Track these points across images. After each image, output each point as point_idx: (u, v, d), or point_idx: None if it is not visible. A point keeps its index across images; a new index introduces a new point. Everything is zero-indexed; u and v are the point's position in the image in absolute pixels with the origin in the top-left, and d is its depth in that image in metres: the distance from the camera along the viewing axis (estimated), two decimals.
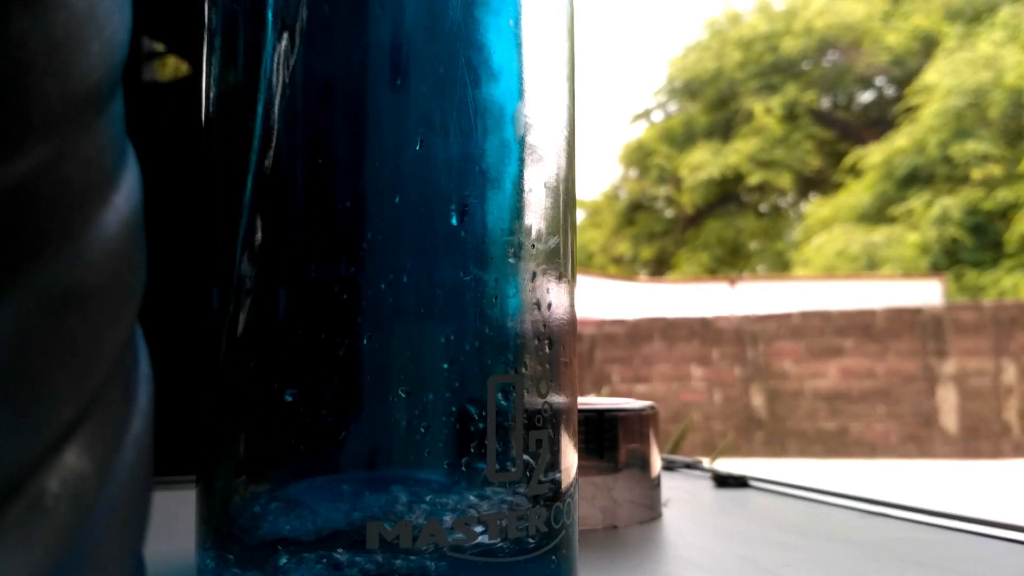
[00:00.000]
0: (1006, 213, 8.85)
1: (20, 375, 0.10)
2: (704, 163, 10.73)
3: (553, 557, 0.18)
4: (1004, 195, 8.86)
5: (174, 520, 0.25)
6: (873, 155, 9.88)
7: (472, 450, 0.17)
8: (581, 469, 0.21)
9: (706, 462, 0.48)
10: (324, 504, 0.16)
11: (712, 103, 11.31)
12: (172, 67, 0.52)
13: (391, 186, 0.17)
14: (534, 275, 0.18)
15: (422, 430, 0.16)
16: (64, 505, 0.10)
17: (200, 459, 0.18)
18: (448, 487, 0.16)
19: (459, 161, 0.17)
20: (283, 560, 0.16)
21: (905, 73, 10.48)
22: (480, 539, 0.17)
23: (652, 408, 0.35)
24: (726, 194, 11.03)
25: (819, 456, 4.89)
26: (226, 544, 0.17)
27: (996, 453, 4.72)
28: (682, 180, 10.97)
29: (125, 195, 0.12)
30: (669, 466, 0.48)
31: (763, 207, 11.38)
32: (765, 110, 10.70)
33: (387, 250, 0.17)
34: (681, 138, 11.42)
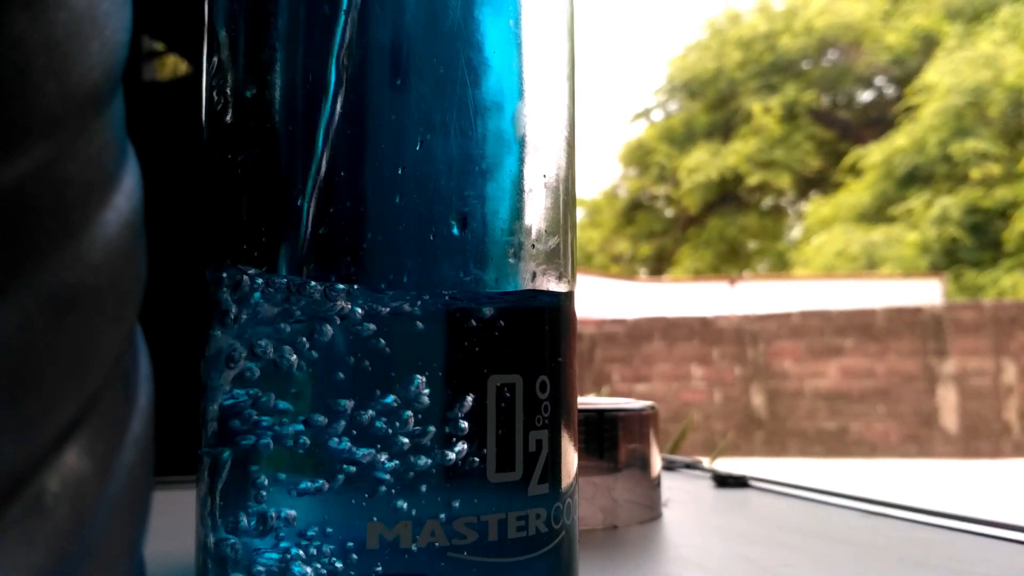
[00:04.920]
0: (1005, 212, 8.85)
1: (20, 375, 0.10)
2: (701, 165, 10.72)
3: (553, 557, 0.18)
4: (1003, 194, 8.85)
5: (174, 520, 0.25)
6: (873, 155, 9.87)
7: (472, 450, 0.17)
8: (581, 469, 0.21)
9: (706, 462, 0.48)
10: (324, 506, 0.16)
11: (712, 102, 11.31)
12: (172, 67, 0.52)
13: (391, 186, 0.17)
14: (534, 275, 0.18)
15: (422, 430, 0.16)
16: (64, 505, 0.10)
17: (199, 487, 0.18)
18: (448, 487, 0.16)
19: (459, 161, 0.17)
20: (279, 556, 0.16)
21: (905, 72, 10.47)
22: (480, 539, 0.17)
23: (652, 408, 0.35)
24: (725, 193, 11.02)
25: (819, 456, 4.88)
26: (225, 554, 0.17)
27: (996, 453, 4.72)
28: (680, 182, 10.96)
29: (125, 195, 0.12)
30: (669, 466, 0.48)
31: (763, 206, 11.38)
32: (764, 110, 10.69)
33: (387, 250, 0.17)
34: (681, 137, 11.41)
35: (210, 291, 0.18)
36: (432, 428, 0.16)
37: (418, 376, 0.16)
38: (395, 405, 0.16)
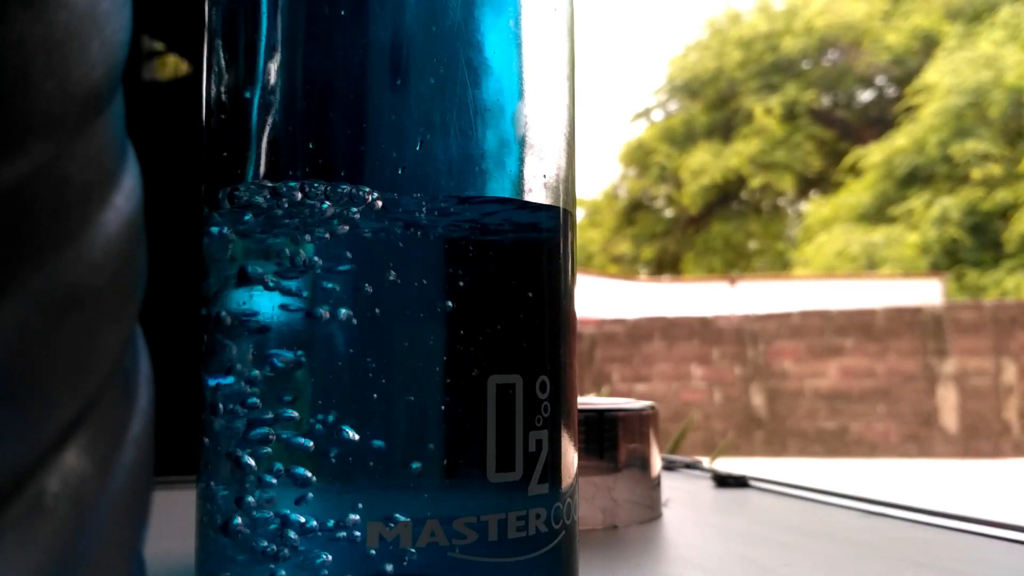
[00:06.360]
0: (1005, 213, 8.84)
1: (20, 375, 0.10)
2: (705, 166, 10.72)
3: (553, 557, 0.18)
4: (1003, 195, 8.85)
5: (174, 520, 0.25)
6: (873, 155, 9.87)
7: (472, 450, 0.17)
8: (581, 469, 0.21)
9: (706, 462, 0.48)
10: (324, 506, 0.16)
11: (712, 102, 11.30)
12: (172, 67, 0.52)
13: (391, 186, 0.17)
14: None
15: (422, 430, 0.16)
16: (64, 505, 0.10)
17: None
18: (448, 487, 0.16)
19: (459, 161, 0.17)
20: (285, 554, 0.16)
21: (905, 73, 10.47)
22: (480, 539, 0.17)
23: (652, 408, 0.35)
24: (726, 194, 11.02)
25: (819, 456, 4.88)
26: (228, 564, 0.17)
27: (996, 453, 4.72)
28: (683, 183, 10.96)
29: (125, 195, 0.12)
30: (669, 466, 0.48)
31: (764, 206, 11.37)
32: (765, 110, 10.69)
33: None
34: (681, 137, 11.41)
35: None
36: (432, 428, 0.16)
37: (418, 375, 0.16)
38: (394, 405, 0.16)
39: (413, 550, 0.16)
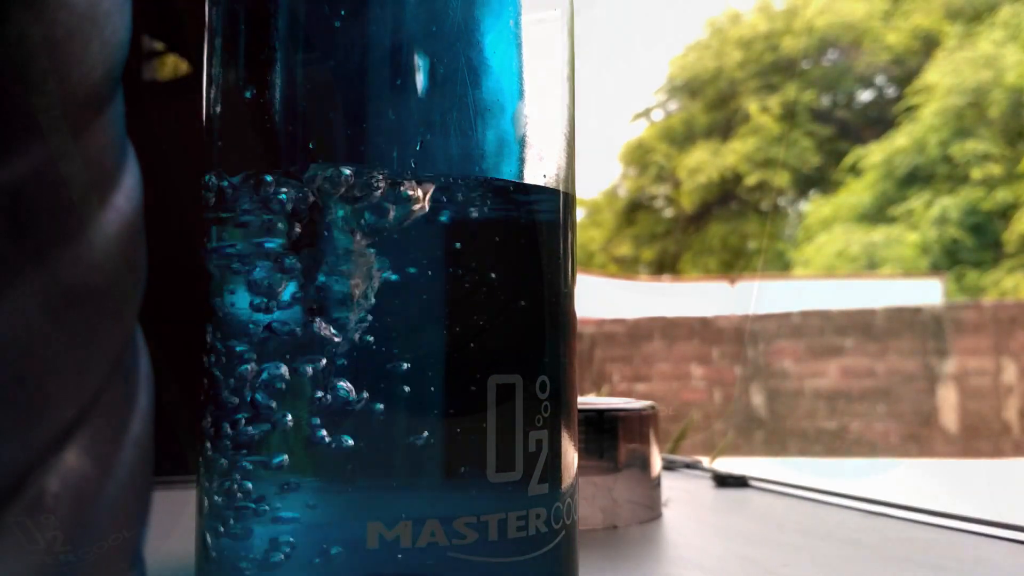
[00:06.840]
0: (1005, 213, 8.83)
1: (21, 375, 0.10)
2: (702, 165, 10.71)
3: (553, 557, 0.18)
4: (1003, 195, 8.84)
5: (174, 520, 0.25)
6: (873, 154, 9.86)
7: (472, 450, 0.17)
8: (581, 469, 0.21)
9: (706, 462, 0.48)
10: (324, 506, 0.16)
11: (712, 102, 11.30)
12: (172, 67, 0.52)
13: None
14: None
15: (422, 430, 0.16)
16: (64, 505, 0.10)
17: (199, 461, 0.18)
18: (448, 487, 0.16)
19: (459, 161, 0.17)
20: (279, 557, 0.16)
21: (905, 72, 10.46)
22: (480, 539, 0.17)
23: (652, 408, 0.35)
24: (725, 193, 11.01)
25: (819, 455, 4.88)
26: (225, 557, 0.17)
27: (996, 453, 4.71)
28: (681, 183, 10.95)
29: (125, 195, 0.12)
30: (669, 466, 0.48)
31: (763, 206, 11.35)
32: (762, 109, 10.68)
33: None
34: (681, 137, 11.40)
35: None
36: (432, 427, 0.16)
37: (418, 374, 0.16)
38: (394, 405, 0.16)
39: (413, 550, 0.16)
